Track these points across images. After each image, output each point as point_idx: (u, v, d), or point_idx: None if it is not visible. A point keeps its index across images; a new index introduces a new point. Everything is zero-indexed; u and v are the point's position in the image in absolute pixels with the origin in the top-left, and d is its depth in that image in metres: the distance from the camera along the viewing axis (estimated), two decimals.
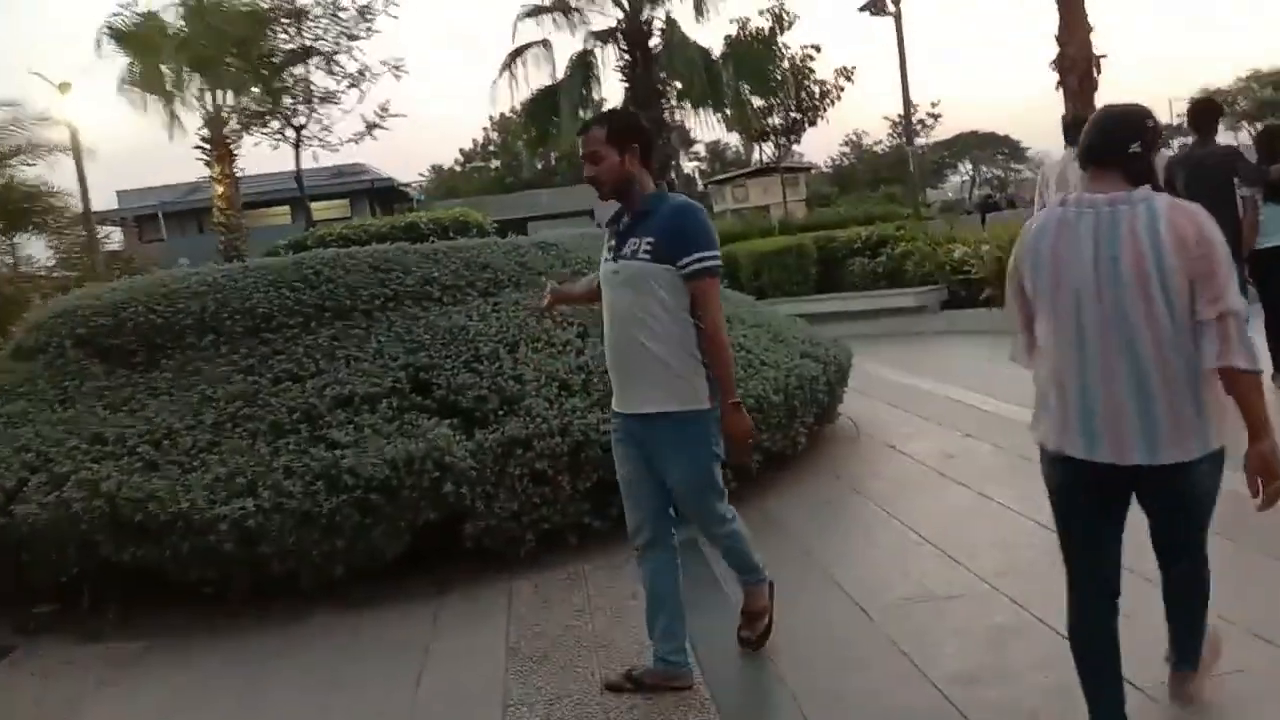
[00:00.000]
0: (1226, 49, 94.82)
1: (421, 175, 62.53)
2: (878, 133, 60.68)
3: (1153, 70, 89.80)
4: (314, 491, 4.72)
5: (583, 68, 17.11)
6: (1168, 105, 61.15)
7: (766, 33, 22.27)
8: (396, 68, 21.24)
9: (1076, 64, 13.24)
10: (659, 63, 17.09)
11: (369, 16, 20.45)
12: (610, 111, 3.65)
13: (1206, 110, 7.43)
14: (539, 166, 56.30)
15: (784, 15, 22.88)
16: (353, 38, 20.62)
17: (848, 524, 5.43)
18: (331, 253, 6.31)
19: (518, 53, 17.27)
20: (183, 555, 4.76)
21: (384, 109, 22.02)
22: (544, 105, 17.29)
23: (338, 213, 29.65)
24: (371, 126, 21.71)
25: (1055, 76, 13.58)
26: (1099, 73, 13.21)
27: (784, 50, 24.02)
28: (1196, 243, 2.50)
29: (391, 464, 4.80)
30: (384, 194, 29.78)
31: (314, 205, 29.12)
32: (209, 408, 5.37)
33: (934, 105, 50.99)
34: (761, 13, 22.85)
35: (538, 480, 4.99)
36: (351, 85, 21.48)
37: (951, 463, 6.16)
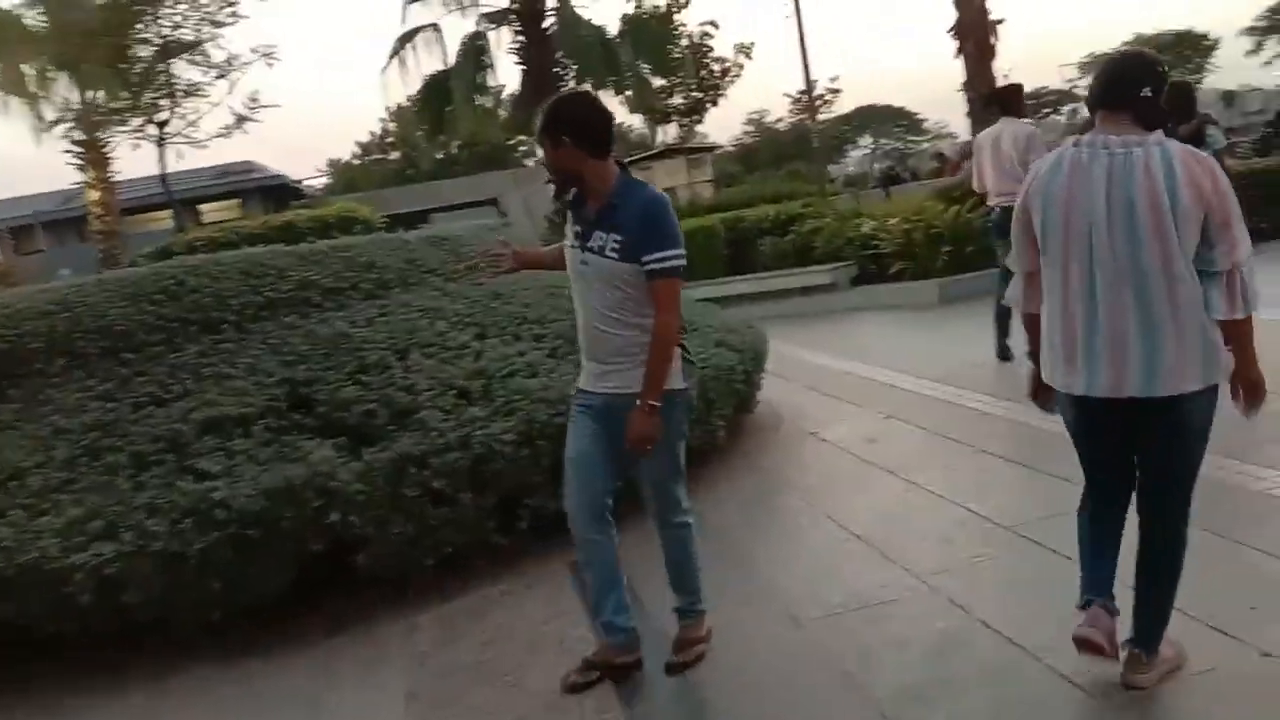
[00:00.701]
0: (1114, 15, 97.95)
1: (320, 171, 60.71)
2: (779, 110, 61.05)
3: (1044, 36, 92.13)
4: (182, 530, 4.21)
5: (475, 52, 16.46)
6: (1057, 71, 62.72)
7: (663, 9, 21.98)
8: (268, 55, 19.64)
9: (974, 29, 13.19)
10: (555, 44, 16.59)
11: (232, 1, 18.81)
12: (549, 102, 3.36)
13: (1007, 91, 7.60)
14: (439, 156, 55.05)
15: None
16: (217, 24, 18.99)
17: (773, 523, 5.12)
18: (197, 260, 5.74)
19: (407, 38, 16.53)
20: (34, 610, 4.20)
21: (253, 100, 20.31)
22: (437, 92, 16.58)
23: (229, 214, 28.36)
24: (241, 119, 20.06)
25: (954, 44, 13.50)
26: (996, 38, 13.20)
27: (682, 28, 23.76)
28: (1213, 191, 2.57)
29: (268, 494, 4.31)
30: (276, 192, 28.56)
31: (204, 207, 27.88)
32: (61, 441, 4.79)
33: (832, 81, 51.38)
34: None
35: (436, 500, 4.54)
36: (219, 76, 19.82)
37: (875, 448, 5.90)
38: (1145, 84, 2.66)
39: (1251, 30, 46.97)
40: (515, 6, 16.89)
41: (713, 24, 25.02)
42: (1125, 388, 2.67)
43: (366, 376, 4.91)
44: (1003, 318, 7.55)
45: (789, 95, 48.90)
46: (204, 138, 21.32)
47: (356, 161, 58.29)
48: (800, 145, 51.62)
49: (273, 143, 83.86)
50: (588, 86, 18.58)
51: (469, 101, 16.67)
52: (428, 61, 16.70)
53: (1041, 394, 3.03)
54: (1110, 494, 2.98)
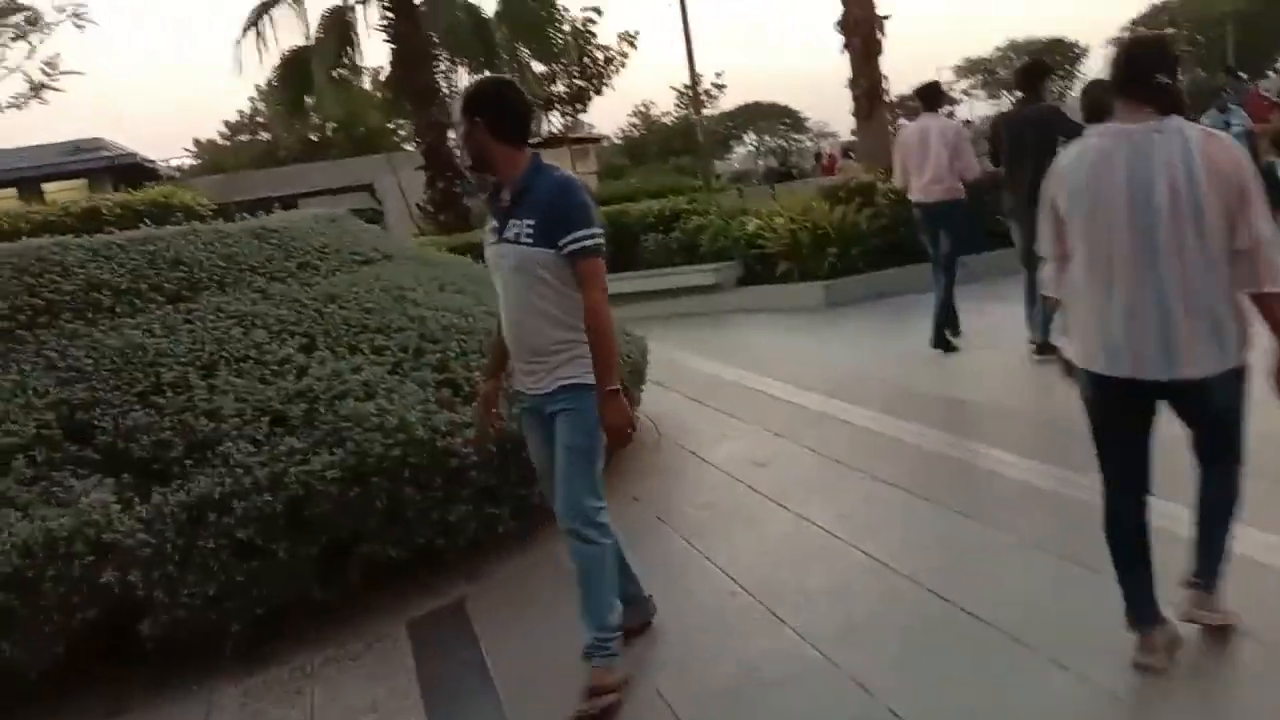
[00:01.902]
0: (990, 20, 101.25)
1: (187, 151, 57.30)
2: (665, 103, 60.68)
3: (922, 39, 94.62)
4: None
5: (339, 28, 15.34)
6: (935, 72, 64.31)
7: None
8: (77, 16, 16.85)
9: (860, 25, 12.87)
10: (426, 23, 15.59)
11: None
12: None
13: (1033, 69, 7.40)
14: (314, 139, 52.75)
15: None
16: None
17: (649, 568, 4.47)
18: None
19: (264, 8, 15.24)
20: None
21: (50, 65, 17.37)
22: (297, 70, 15.34)
23: (74, 195, 26.02)
24: (39, 87, 17.26)
25: (840, 40, 13.17)
26: (883, 35, 12.91)
27: (564, 12, 22.92)
28: (1232, 173, 2.60)
29: (25, 549, 3.46)
30: (128, 172, 26.43)
31: (47, 187, 25.61)
32: None
33: (718, 76, 51.13)
34: None
35: (242, 552, 3.75)
36: (16, 38, 17.14)
37: (763, 474, 5.34)
38: (1159, 70, 2.70)
39: (1117, 40, 48.95)
40: None
41: (596, 10, 24.28)
42: (1146, 369, 2.72)
43: (161, 398, 4.06)
44: (944, 311, 7.72)
45: (675, 89, 48.43)
46: None
47: (224, 142, 55.25)
48: (686, 139, 51.39)
49: (138, 119, 78.81)
50: (502, 73, 17.68)
51: (331, 81, 15.55)
52: (287, 37, 15.55)
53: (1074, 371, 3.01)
54: (1125, 484, 2.95)
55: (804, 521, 4.55)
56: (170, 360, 4.22)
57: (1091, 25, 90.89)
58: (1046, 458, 4.85)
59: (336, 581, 4.03)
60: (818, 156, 34.32)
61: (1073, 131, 6.56)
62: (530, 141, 3.24)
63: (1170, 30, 45.94)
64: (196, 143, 55.79)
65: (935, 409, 6.17)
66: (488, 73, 16.28)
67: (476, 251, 11.39)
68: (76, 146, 25.58)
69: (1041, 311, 7.03)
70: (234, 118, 54.77)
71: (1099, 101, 6.54)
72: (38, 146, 25.68)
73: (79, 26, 16.69)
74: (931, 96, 8.04)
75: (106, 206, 7.27)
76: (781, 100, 62.37)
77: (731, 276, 12.27)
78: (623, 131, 57.31)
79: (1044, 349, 6.94)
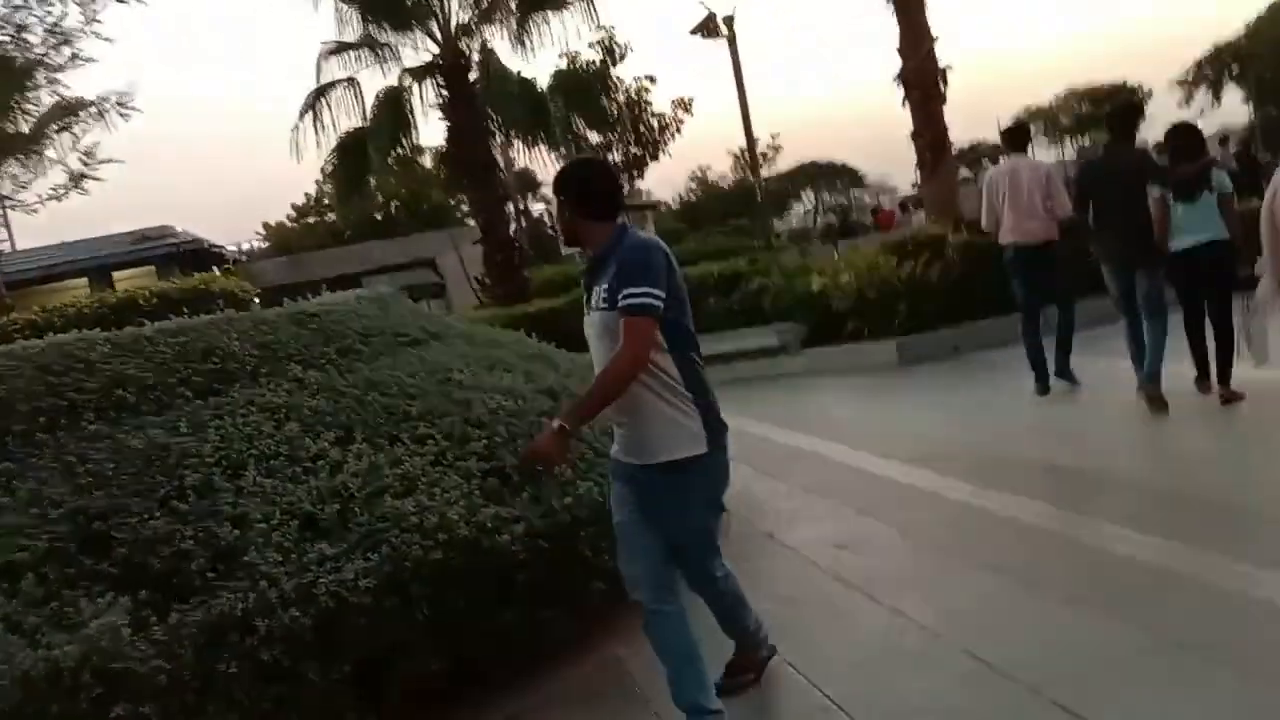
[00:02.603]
0: (1048, 69, 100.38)
1: (259, 234, 58.85)
2: (722, 166, 60.76)
3: (980, 90, 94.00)
4: None
5: (392, 107, 15.42)
6: (996, 124, 63.63)
7: (598, 65, 21.21)
8: (121, 104, 16.12)
9: (921, 77, 12.47)
10: (481, 98, 15.62)
11: (68, 35, 14.86)
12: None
13: (1126, 111, 7.69)
14: (378, 217, 53.82)
15: (614, 47, 21.87)
16: (53, 68, 15.34)
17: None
18: None
19: (320, 93, 15.35)
20: None
21: (89, 154, 16.64)
22: (354, 151, 15.42)
23: (143, 282, 26.66)
24: (80, 178, 16.98)
25: (900, 93, 12.78)
26: (945, 85, 12.50)
27: (618, 83, 23.00)
28: None
29: (25, 680, 3.09)
30: (194, 258, 27.06)
31: (117, 275, 26.30)
32: None
33: (774, 138, 51.14)
34: (591, 45, 21.81)
35: (268, 675, 3.35)
36: (61, 129, 16.34)
37: (847, 559, 4.82)
38: None
39: (1181, 83, 47.81)
40: (438, 61, 15.89)
41: (650, 79, 24.29)
42: None
43: (184, 504, 3.71)
44: (1036, 354, 7.59)
45: (731, 152, 48.50)
46: (35, 201, 17.24)
47: (292, 224, 56.65)
48: (744, 201, 51.25)
49: (215, 207, 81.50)
50: (593, 148, 17.53)
51: (386, 160, 15.60)
52: (344, 119, 15.69)
53: None
54: None
55: (899, 617, 4.01)
56: (195, 461, 3.89)
57: (1153, 68, 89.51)
58: (1171, 533, 4.26)
59: (374, 702, 3.60)
60: (874, 211, 33.87)
61: (1160, 176, 6.51)
62: (616, 213, 3.25)
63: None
64: (265, 226, 57.41)
65: (1034, 478, 5.59)
66: (544, 145, 16.28)
67: (535, 322, 11.17)
68: (144, 235, 26.24)
69: (1150, 356, 6.62)
70: (301, 200, 56.47)
71: (1188, 143, 6.58)
72: (106, 236, 26.43)
73: (124, 115, 16.53)
74: (1019, 137, 8.00)
75: (144, 297, 7.09)
76: (840, 155, 62.02)
77: (796, 337, 11.80)
78: (680, 196, 57.53)
79: (1152, 379, 6.54)
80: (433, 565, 3.62)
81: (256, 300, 7.70)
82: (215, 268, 30.08)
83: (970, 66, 55.76)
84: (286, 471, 3.93)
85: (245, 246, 52.95)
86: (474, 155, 15.78)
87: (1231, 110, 45.96)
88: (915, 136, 12.71)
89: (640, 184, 30.80)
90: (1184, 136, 6.63)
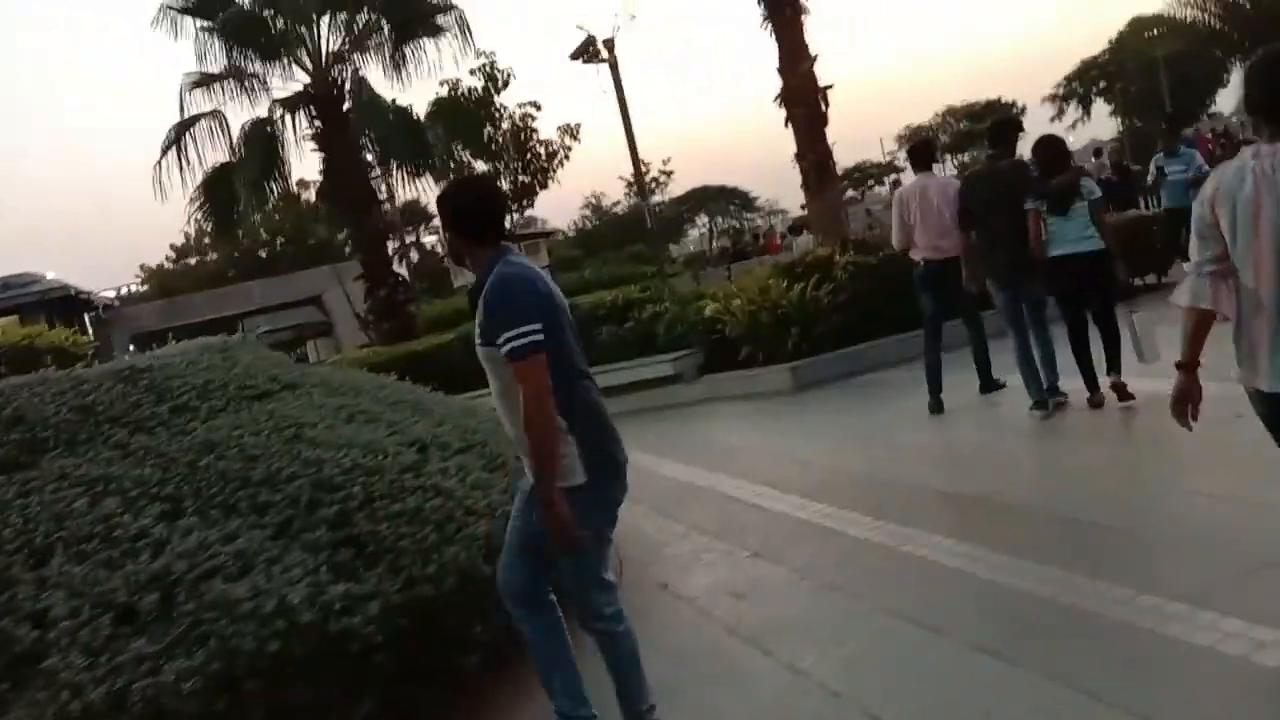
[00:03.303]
0: (926, 88, 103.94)
1: (137, 277, 56.36)
2: (615, 193, 60.86)
3: (861, 110, 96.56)
4: None
5: (261, 140, 14.71)
6: (879, 144, 65.36)
7: (480, 92, 20.78)
8: None
9: (803, 96, 12.44)
10: (356, 129, 15.02)
11: None
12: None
13: (1006, 124, 7.56)
14: (262, 255, 52.18)
15: (496, 74, 21.45)
16: None
17: None
18: None
19: (184, 127, 14.50)
20: None
21: None
22: (223, 185, 14.65)
23: (8, 330, 24.99)
24: None
25: (782, 113, 12.73)
26: (827, 105, 12.50)
27: (502, 110, 22.61)
28: None
29: None
30: (62, 305, 25.51)
31: None
32: None
33: (665, 163, 51.37)
34: (473, 72, 21.37)
35: None
36: None
37: (745, 610, 4.51)
38: None
39: (1052, 98, 49.99)
40: (310, 91, 15.22)
41: (534, 105, 23.94)
42: None
43: None
44: (935, 371, 7.57)
45: (623, 178, 48.56)
46: None
47: (171, 266, 54.47)
48: (639, 226, 51.29)
49: (92, 251, 77.89)
50: (481, 172, 17.14)
51: (258, 194, 14.86)
52: (212, 154, 14.89)
53: (1182, 401, 3.00)
54: None
55: (798, 675, 3.71)
56: None
57: (1025, 84, 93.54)
58: (1070, 564, 4.07)
59: None
60: (755, 236, 34.19)
61: (1036, 187, 6.55)
62: (495, 237, 3.19)
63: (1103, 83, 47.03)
64: (143, 268, 55.03)
65: (933, 507, 5.39)
66: (427, 176, 15.76)
67: (422, 360, 10.61)
68: (5, 283, 24.68)
69: (1037, 364, 6.70)
70: (180, 240, 54.27)
71: (1049, 154, 6.66)
72: None
73: None
74: (925, 154, 8.16)
75: None
76: (733, 178, 62.83)
77: (692, 366, 11.56)
78: (574, 224, 57.40)
79: (1041, 404, 6.68)
80: (271, 658, 3.15)
81: (90, 354, 7.03)
82: (85, 315, 28.56)
83: (850, 88, 57.36)
84: (101, 555, 3.42)
85: (123, 291, 50.75)
86: (350, 188, 15.16)
87: (1100, 123, 48.26)
88: (799, 157, 12.66)
89: (530, 212, 30.38)
90: (1051, 149, 6.71)
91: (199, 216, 15.26)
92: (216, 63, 15.03)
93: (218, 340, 5.80)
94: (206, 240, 53.59)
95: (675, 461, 7.95)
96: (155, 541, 3.50)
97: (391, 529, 3.84)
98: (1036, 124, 47.40)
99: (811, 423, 8.87)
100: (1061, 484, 5.51)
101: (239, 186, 14.55)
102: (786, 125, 12.71)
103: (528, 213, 28.09)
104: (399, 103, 15.21)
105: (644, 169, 51.00)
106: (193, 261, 54.48)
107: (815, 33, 21.07)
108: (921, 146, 8.39)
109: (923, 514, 5.23)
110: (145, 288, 55.04)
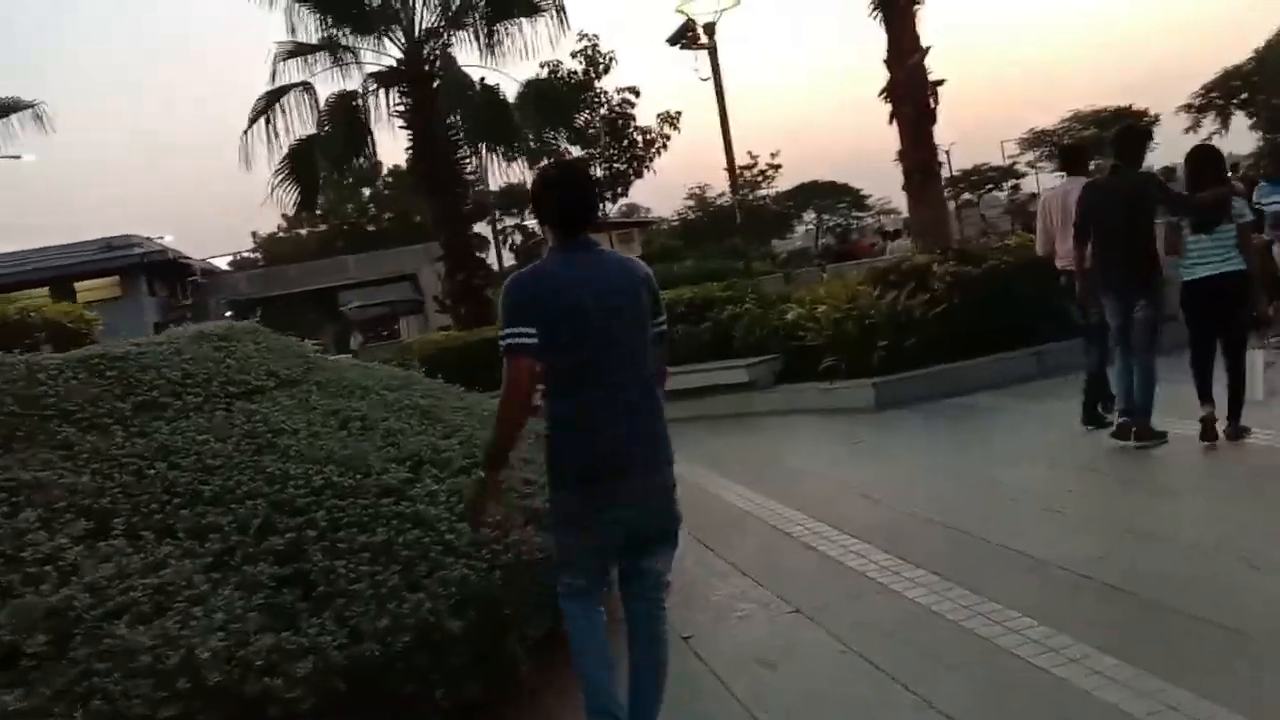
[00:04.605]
0: (1051, 93, 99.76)
1: (253, 245, 58.09)
2: (721, 183, 60.01)
3: (986, 113, 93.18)
4: None
5: (346, 113, 14.47)
6: (999, 147, 62.85)
7: (581, 75, 20.27)
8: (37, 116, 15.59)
9: (910, 91, 11.52)
10: (441, 106, 14.65)
11: None
12: None
13: (1131, 134, 6.94)
14: (370, 229, 53.04)
15: (598, 58, 20.87)
16: None
17: None
18: None
19: (274, 97, 14.41)
20: None
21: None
22: (307, 158, 14.50)
23: (106, 293, 25.79)
24: None
25: (888, 109, 11.83)
26: (937, 101, 11.53)
27: (603, 94, 22.03)
28: None
29: None
30: (162, 268, 26.10)
31: (80, 286, 25.34)
32: None
33: (773, 155, 50.27)
34: (574, 55, 20.84)
35: None
36: None
37: (771, 684, 3.82)
38: None
39: (1188, 108, 46.99)
40: (401, 67, 14.92)
41: (632, 90, 23.19)
42: None
43: None
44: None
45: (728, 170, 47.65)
46: None
47: (282, 234, 55.84)
48: (744, 219, 50.32)
49: (204, 215, 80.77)
50: (573, 158, 16.76)
51: (339, 169, 14.66)
52: (300, 126, 14.73)
53: None
54: None
55: None
56: None
57: (1160, 92, 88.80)
58: (1171, 670, 3.27)
59: None
60: (842, 239, 32.86)
61: (1176, 203, 6.19)
62: (566, 226, 3.08)
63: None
64: (254, 236, 56.59)
65: (1019, 575, 4.56)
66: (520, 158, 15.33)
67: (489, 348, 10.22)
68: (109, 244, 25.36)
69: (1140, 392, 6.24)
70: (291, 210, 55.59)
71: (1209, 168, 6.13)
72: (70, 245, 25.55)
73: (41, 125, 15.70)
74: (1077, 158, 7.75)
75: None
76: (846, 175, 61.15)
77: (768, 373, 10.82)
78: (678, 213, 56.81)
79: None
80: None
81: (100, 329, 6.73)
82: (183, 280, 29.27)
83: (972, 88, 55.10)
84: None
85: (236, 257, 52.26)
86: (436, 167, 14.82)
87: (1239, 136, 45.18)
88: (902, 157, 11.74)
89: (632, 200, 29.83)
90: (1205, 161, 6.17)
91: (283, 189, 15.11)
92: (310, 34, 14.87)
93: (220, 326, 5.35)
94: (319, 211, 54.86)
95: (732, 481, 7.27)
96: (66, 566, 3.01)
97: (350, 567, 3.29)
98: (1169, 136, 44.64)
99: (889, 449, 8.06)
100: (1160, 557, 4.62)
101: (320, 160, 14.33)
102: (891, 122, 11.80)
103: (626, 201, 27.49)
104: (488, 82, 14.81)
105: (752, 161, 49.96)
106: (304, 232, 55.70)
107: (930, 25, 19.93)
108: (1073, 149, 8.00)
109: (1004, 581, 4.44)
110: (259, 255, 56.65)
